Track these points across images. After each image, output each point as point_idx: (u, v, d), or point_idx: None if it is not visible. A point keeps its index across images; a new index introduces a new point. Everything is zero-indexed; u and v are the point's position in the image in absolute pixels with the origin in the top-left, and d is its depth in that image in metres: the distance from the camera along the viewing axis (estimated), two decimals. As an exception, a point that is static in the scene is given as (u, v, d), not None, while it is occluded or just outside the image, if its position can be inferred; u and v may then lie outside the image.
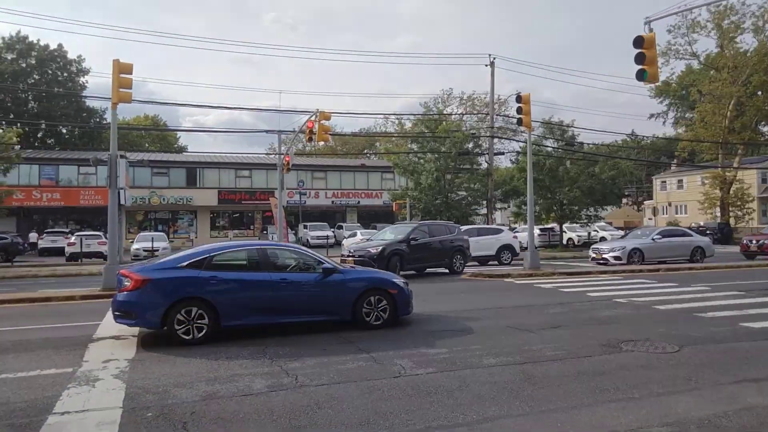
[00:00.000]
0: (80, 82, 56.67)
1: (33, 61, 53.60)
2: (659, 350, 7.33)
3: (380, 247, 17.07)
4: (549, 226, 38.71)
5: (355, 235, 34.37)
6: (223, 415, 4.96)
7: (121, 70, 14.41)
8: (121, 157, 16.45)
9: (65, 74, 55.73)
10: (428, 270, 18.91)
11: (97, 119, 56.54)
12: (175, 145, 67.45)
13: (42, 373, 6.40)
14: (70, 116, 53.54)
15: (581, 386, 5.79)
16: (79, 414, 5.01)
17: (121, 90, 14.42)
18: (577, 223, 36.98)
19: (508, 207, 39.72)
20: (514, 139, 48.60)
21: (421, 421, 4.82)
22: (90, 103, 57.27)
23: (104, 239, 25.42)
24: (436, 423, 4.76)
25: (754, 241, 24.87)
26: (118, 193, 15.54)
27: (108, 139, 15.70)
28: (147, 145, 64.29)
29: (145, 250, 28.61)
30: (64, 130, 56.37)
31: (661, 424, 4.70)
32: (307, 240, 38.26)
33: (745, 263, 22.10)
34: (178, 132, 70.54)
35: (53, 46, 54.62)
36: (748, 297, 12.24)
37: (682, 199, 57.91)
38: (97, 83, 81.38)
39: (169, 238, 35.43)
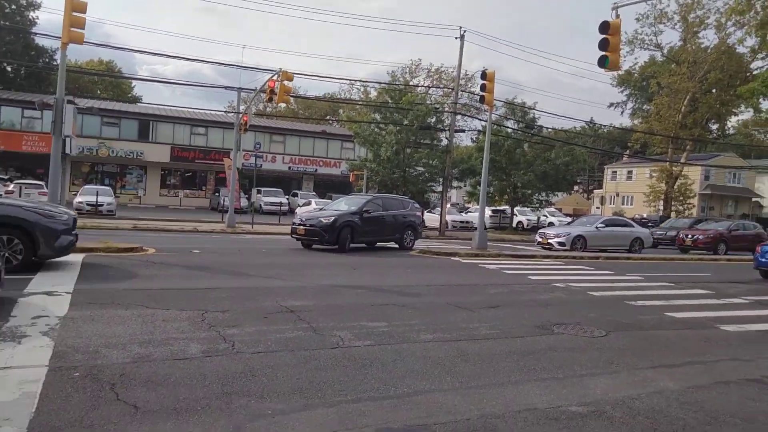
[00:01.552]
0: (30, 17, 53.07)
1: (-23, -8, 49.89)
2: (587, 334, 7.70)
3: (332, 218, 17.04)
4: (501, 207, 39.56)
5: (309, 203, 34.21)
6: (154, 378, 4.92)
7: (74, 7, 13.57)
8: (69, 102, 15.70)
9: (13, 6, 52.05)
10: (379, 243, 19.06)
11: (46, 59, 53.34)
12: (129, 95, 64.71)
13: (-35, 326, 6.16)
14: (17, 54, 50.33)
15: (510, 365, 6.03)
16: (1, 371, 4.86)
17: (72, 29, 13.61)
18: (528, 206, 37.92)
19: (464, 186, 40.27)
20: (476, 117, 49.04)
21: (354, 392, 4.92)
22: (39, 41, 53.95)
23: (45, 189, 24.36)
24: (367, 395, 4.88)
25: (689, 236, 26.17)
26: (63, 140, 14.81)
27: (56, 81, 14.85)
28: (99, 92, 61.40)
29: (88, 204, 27.59)
30: (9, 69, 53.06)
31: (580, 404, 4.97)
32: (260, 205, 37.75)
33: (679, 256, 23.29)
34: (133, 80, 67.72)
35: (-1, -25, 50.90)
36: (676, 288, 12.94)
37: (630, 190, 60.06)
38: (48, 20, 76.61)
39: (115, 193, 34.23)
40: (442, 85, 54.41)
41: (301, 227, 17.28)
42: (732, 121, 59.09)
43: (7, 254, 9.02)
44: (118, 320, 6.81)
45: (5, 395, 4.34)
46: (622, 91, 63.42)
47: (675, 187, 45.28)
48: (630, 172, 61.36)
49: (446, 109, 36.94)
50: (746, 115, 55.62)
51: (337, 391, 4.91)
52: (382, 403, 4.72)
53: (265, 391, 4.81)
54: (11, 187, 27.73)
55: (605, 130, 68.16)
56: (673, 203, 45.83)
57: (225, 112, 56.62)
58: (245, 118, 26.34)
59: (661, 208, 46.58)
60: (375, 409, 4.56)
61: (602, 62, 14.24)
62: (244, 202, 34.58)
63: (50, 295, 8.02)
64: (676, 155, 46.23)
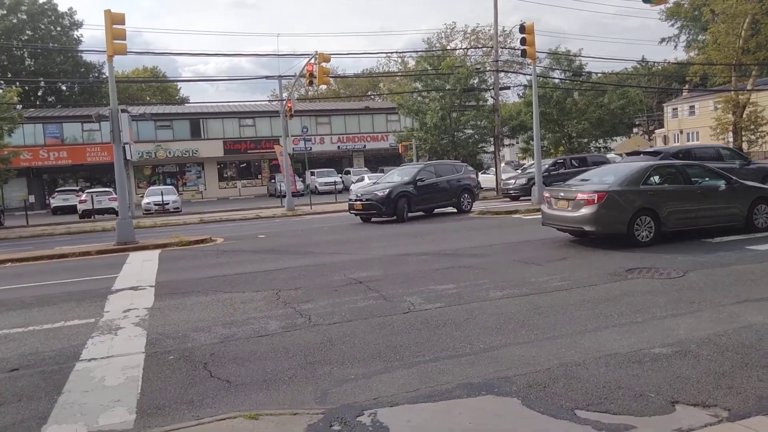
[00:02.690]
0: (74, 36, 55.52)
1: (24, 17, 52.38)
2: (664, 276, 7.46)
3: (387, 190, 17.13)
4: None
5: (362, 179, 34.37)
6: (241, 355, 5.20)
7: (114, 20, 14.14)
8: (123, 111, 16.40)
9: (58, 28, 54.51)
10: (437, 210, 19.02)
11: (96, 74, 55.74)
12: (177, 97, 66.71)
13: (66, 324, 6.68)
14: (68, 72, 52.84)
15: (586, 313, 5.95)
16: (104, 360, 5.28)
17: (115, 42, 14.20)
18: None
19: (517, 143, 39.30)
20: (520, 72, 47.42)
21: (430, 352, 5.01)
22: (87, 57, 56.30)
23: (115, 195, 25.69)
24: (444, 353, 4.96)
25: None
26: (123, 148, 15.58)
27: (108, 93, 15.54)
28: (148, 98, 63.63)
29: (155, 204, 28.99)
30: (64, 87, 55.81)
31: (663, 345, 4.86)
32: (316, 187, 38.36)
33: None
34: (178, 83, 69.69)
35: (42, -1, 53.27)
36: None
37: (694, 125, 56.87)
38: (92, 36, 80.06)
39: (178, 191, 35.71)
40: (480, 45, 52.92)
41: (358, 202, 17.47)
42: (803, 38, 54.45)
43: None
44: (201, 306, 7.19)
45: (112, 380, 4.72)
46: (672, 25, 59.49)
47: (744, 116, 42.47)
48: (692, 107, 58.00)
49: (487, 68, 35.96)
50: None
51: (414, 353, 5.01)
52: (459, 360, 4.79)
53: (346, 358, 4.98)
54: (83, 196, 29.39)
55: (659, 67, 64.46)
56: (743, 133, 43.05)
57: (269, 101, 57.43)
58: (289, 105, 26.68)
59: (731, 140, 43.89)
60: (454, 366, 4.63)
61: (646, -3, 13.42)
62: (300, 186, 35.23)
63: (135, 289, 8.56)
64: (742, 83, 43.20)
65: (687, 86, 54.56)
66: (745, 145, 42.68)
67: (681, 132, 59.59)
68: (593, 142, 34.84)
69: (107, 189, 31.08)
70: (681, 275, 7.44)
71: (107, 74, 16.24)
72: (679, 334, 5.12)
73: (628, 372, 4.31)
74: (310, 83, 23.23)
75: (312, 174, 39.58)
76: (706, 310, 5.84)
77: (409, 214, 17.42)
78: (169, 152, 42.56)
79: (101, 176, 40.51)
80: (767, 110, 46.92)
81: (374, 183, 21.10)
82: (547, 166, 22.93)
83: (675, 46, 68.97)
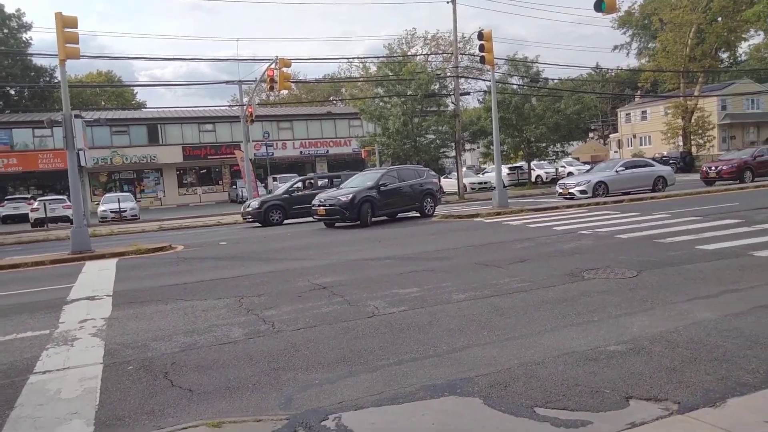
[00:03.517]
0: (23, 38, 53.45)
1: (-32, 18, 50.26)
2: (619, 276, 7.72)
3: (350, 195, 17.14)
4: (517, 164, 39.24)
5: (325, 184, 34.19)
6: (203, 363, 5.12)
7: (65, 23, 13.71)
8: (77, 116, 15.89)
9: (5, 30, 52.39)
10: (400, 215, 19.15)
11: (47, 78, 53.78)
12: (133, 102, 65.09)
13: (18, 336, 6.44)
14: (17, 76, 50.81)
15: (545, 314, 6.11)
16: (60, 372, 5.11)
17: (67, 45, 13.78)
18: (544, 160, 37.57)
19: (477, 148, 39.95)
20: (480, 78, 48.36)
21: (394, 355, 5.06)
22: (37, 61, 54.34)
23: (69, 203, 24.87)
24: (408, 356, 5.01)
25: (713, 168, 25.71)
26: (77, 154, 15.09)
27: (60, 98, 15.06)
28: (103, 102, 61.89)
29: (112, 212, 28.18)
30: (13, 92, 53.66)
31: (618, 342, 5.04)
32: (278, 192, 37.95)
33: (704, 189, 22.92)
34: (134, 87, 68.01)
35: (-14, 0, 51.17)
36: (704, 221, 12.81)
37: (646, 130, 58.96)
38: (42, 39, 77.14)
39: (136, 198, 34.80)
40: (440, 51, 53.61)
41: (321, 207, 17.43)
42: (743, 47, 57.35)
43: None
44: (160, 315, 7.05)
45: (69, 392, 4.58)
46: (624, 33, 61.72)
47: (692, 121, 44.33)
48: (644, 112, 60.12)
49: (448, 74, 36.48)
50: (757, 39, 53.92)
51: (378, 357, 5.05)
52: (423, 362, 4.84)
53: (310, 363, 4.98)
54: (35, 204, 28.33)
55: (613, 74, 66.62)
56: (692, 137, 44.92)
57: (230, 106, 56.68)
58: (250, 110, 26.43)
59: (681, 144, 45.72)
60: (417, 368, 4.69)
61: (598, 6, 13.95)
62: (261, 191, 34.86)
63: (92, 299, 8.31)
64: (689, 89, 45.12)
65: (639, 92, 56.54)
66: (694, 149, 44.54)
67: (634, 136, 61.72)
68: (551, 146, 35.75)
69: (61, 197, 30.06)
70: (635, 275, 7.72)
71: (59, 78, 15.73)
72: (633, 332, 5.32)
73: (585, 369, 4.45)
74: (271, 88, 23.09)
75: (274, 179, 39.20)
76: (658, 308, 6.07)
77: (373, 219, 17.49)
78: (126, 158, 41.46)
79: (54, 183, 39.11)
80: (713, 116, 49.11)
81: (338, 188, 21.09)
82: (286, 187, 22.10)
83: (627, 54, 71.61)
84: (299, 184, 22.04)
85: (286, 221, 20.23)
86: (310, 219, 19.08)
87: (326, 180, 22.83)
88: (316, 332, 5.90)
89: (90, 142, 36.85)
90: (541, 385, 4.19)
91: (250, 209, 20.60)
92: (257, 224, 20.13)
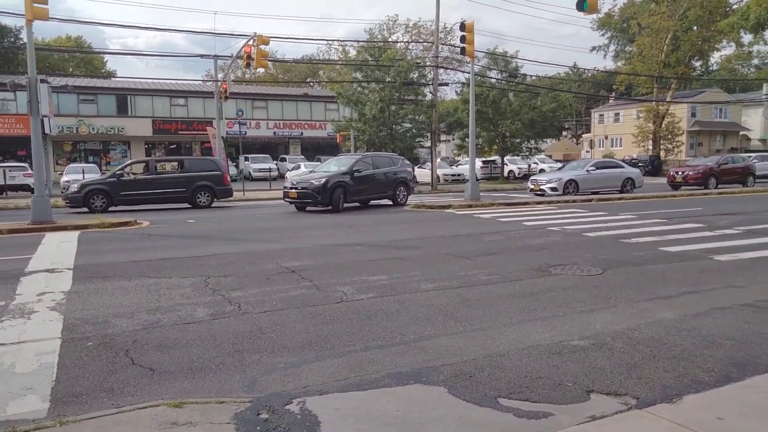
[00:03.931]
0: (-11, -4, 51.19)
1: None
2: (584, 273, 7.87)
3: (323, 179, 17.01)
4: (491, 158, 39.55)
5: (298, 167, 33.99)
6: (166, 342, 5.02)
7: (36, -18, 13.12)
8: (42, 81, 15.31)
9: (-30, -13, 50.09)
10: (372, 202, 19.11)
11: (11, 39, 51.61)
12: (103, 70, 63.03)
13: (-29, 307, 6.20)
14: (-20, 35, 48.69)
15: (511, 307, 6.18)
16: (15, 345, 4.94)
17: (35, 5, 13.17)
18: (518, 155, 37.94)
19: (452, 140, 40.10)
20: (459, 70, 48.34)
21: (361, 341, 5.05)
22: (2, 20, 52.11)
23: (30, 171, 24.01)
24: (375, 343, 5.01)
25: (679, 173, 26.40)
26: (42, 120, 14.53)
27: (25, 61, 14.46)
28: (71, 69, 59.75)
29: (76, 183, 27.29)
30: (-25, 51, 51.39)
31: (581, 338, 5.14)
32: (250, 173, 37.47)
33: (670, 193, 23.55)
34: (104, 55, 65.88)
35: (-47, -47, 48.65)
36: (669, 224, 13.15)
37: (618, 132, 60.09)
38: (8, -2, 73.78)
39: (101, 170, 33.82)
40: (421, 40, 53.42)
41: (293, 191, 17.26)
42: (715, 57, 58.80)
43: None
44: (123, 291, 6.87)
45: (24, 367, 4.43)
46: (603, 35, 62.47)
47: (663, 126, 45.38)
48: (617, 114, 61.25)
49: (428, 63, 36.39)
50: (729, 50, 55.37)
51: (345, 342, 5.03)
52: (389, 350, 4.85)
53: (275, 346, 4.93)
54: (-5, 171, 27.27)
55: (589, 75, 67.60)
56: (662, 142, 46.00)
57: (203, 81, 55.51)
58: (224, 86, 25.88)
59: (651, 147, 46.76)
60: (384, 356, 4.69)
61: (580, 5, 14.07)
62: (232, 171, 34.31)
63: (51, 272, 8.06)
64: (662, 94, 46.13)
65: (613, 94, 57.53)
66: (662, 154, 45.63)
67: (606, 137, 62.84)
68: (525, 142, 36.11)
69: (22, 164, 28.97)
70: (600, 273, 7.88)
71: (25, 40, 15.09)
72: (596, 328, 5.43)
73: (549, 363, 4.53)
74: (248, 65, 22.64)
75: (246, 159, 38.66)
76: (621, 306, 6.21)
77: (345, 205, 17.41)
78: (93, 128, 40.19)
79: (14, 149, 37.66)
80: (683, 122, 50.35)
81: (311, 171, 20.92)
82: (115, 170, 19.92)
83: (605, 56, 72.61)
84: (136, 167, 19.62)
85: (111, 208, 17.66)
86: (144, 208, 17.87)
87: (176, 164, 20.29)
88: (282, 315, 5.84)
89: (55, 110, 35.48)
90: (505, 377, 4.24)
91: (69, 192, 18.37)
92: (84, 209, 17.39)
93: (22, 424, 3.42)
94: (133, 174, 18.95)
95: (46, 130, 15.35)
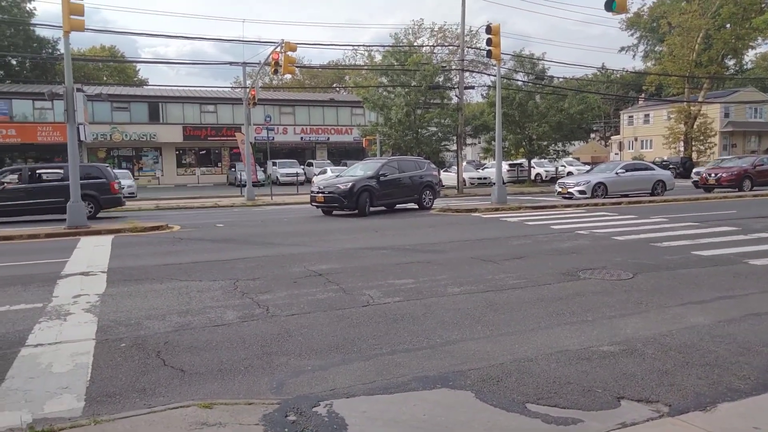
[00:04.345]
0: (27, 8, 52.87)
1: (-30, -15, 49.63)
2: (614, 277, 7.73)
3: (350, 183, 17.10)
4: (518, 161, 39.17)
5: (325, 171, 34.19)
6: (196, 344, 5.12)
7: (71, -5, 13.56)
8: (78, 90, 15.76)
9: (9, -1, 51.85)
10: (398, 206, 19.12)
11: (49, 50, 53.32)
12: (135, 78, 64.61)
13: (12, 308, 6.42)
14: (19, 47, 50.32)
15: (539, 311, 6.11)
16: (52, 346, 5.10)
17: (72, 17, 13.64)
18: (545, 158, 37.50)
19: (479, 143, 39.85)
20: (485, 73, 48.00)
21: (388, 345, 5.06)
22: (40, 32, 53.82)
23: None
24: (402, 347, 5.01)
25: (712, 175, 25.72)
26: (78, 128, 15.00)
27: (62, 71, 14.92)
28: (105, 78, 61.42)
29: (109, 188, 27.98)
30: (14, 62, 53.20)
31: (611, 343, 5.05)
32: (277, 177, 37.89)
33: (702, 196, 22.95)
34: (137, 64, 67.50)
35: (-9, -32, 50.48)
36: (701, 227, 12.83)
37: (648, 133, 58.94)
38: (46, 10, 76.41)
39: (133, 176, 34.68)
40: (447, 43, 53.28)
41: (320, 195, 17.39)
42: (749, 55, 57.22)
43: None
44: (155, 294, 7.03)
45: (60, 367, 4.57)
46: (632, 34, 61.43)
47: (694, 127, 44.30)
48: (647, 116, 60.06)
49: (453, 66, 36.28)
50: (764, 48, 53.84)
51: (372, 346, 5.05)
52: (416, 353, 4.85)
53: (303, 349, 4.97)
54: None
55: (618, 75, 66.44)
56: (693, 143, 44.91)
57: (232, 87, 56.34)
58: (253, 92, 26.25)
59: (682, 149, 45.71)
60: (410, 359, 4.69)
61: (609, 5, 13.87)
62: (260, 175, 34.78)
63: (86, 275, 8.29)
64: (693, 95, 45.06)
65: (643, 95, 56.46)
66: (694, 155, 44.54)
67: (636, 139, 61.69)
68: (552, 145, 35.67)
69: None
70: (630, 277, 7.73)
71: (62, 50, 15.57)
72: (627, 333, 5.33)
73: (578, 368, 4.46)
74: (275, 72, 22.93)
75: (274, 164, 39.13)
76: (652, 311, 6.09)
77: (371, 209, 17.47)
78: (126, 135, 41.22)
79: (51, 157, 38.85)
80: (716, 122, 49.12)
81: (337, 176, 21.05)
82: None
83: (633, 56, 71.30)
84: (12, 176, 17.67)
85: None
86: (19, 219, 16.62)
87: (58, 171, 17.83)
88: (310, 318, 5.89)
89: (90, 117, 36.72)
90: (533, 382, 4.19)
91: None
92: None
93: (59, 422, 3.53)
94: (6, 184, 17.31)
95: (82, 138, 15.84)
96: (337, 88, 66.04)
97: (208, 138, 43.58)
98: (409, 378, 4.28)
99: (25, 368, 4.54)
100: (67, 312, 6.23)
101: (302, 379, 4.31)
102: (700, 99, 44.13)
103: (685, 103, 44.18)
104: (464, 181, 31.44)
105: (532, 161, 37.48)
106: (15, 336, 5.39)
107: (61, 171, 17.39)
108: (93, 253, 10.46)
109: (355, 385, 4.16)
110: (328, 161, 43.15)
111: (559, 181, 24.63)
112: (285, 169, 39.12)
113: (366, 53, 61.34)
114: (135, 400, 3.96)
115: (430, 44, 52.71)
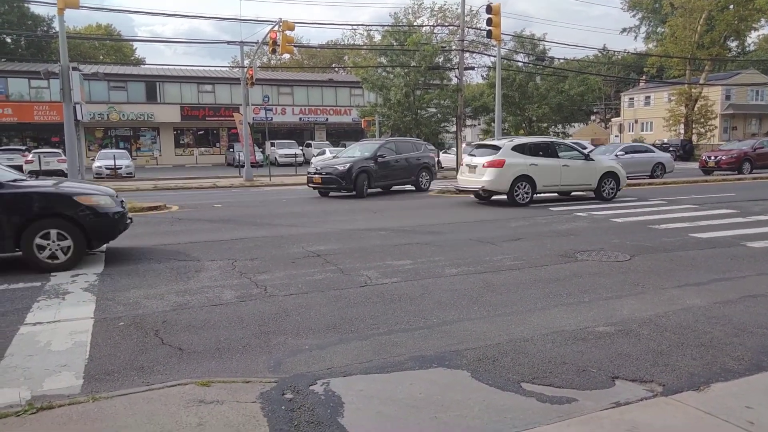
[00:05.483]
0: (21, -15, 52.16)
1: (-35, -38, 48.88)
2: (612, 259, 7.76)
3: (348, 165, 17.04)
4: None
5: (323, 153, 34.04)
6: (194, 323, 5.14)
7: (66, -29, 13.34)
8: (74, 69, 15.58)
9: (4, -24, 51.11)
10: (395, 187, 19.09)
11: (44, 28, 52.74)
12: (132, 57, 63.98)
13: (10, 287, 6.43)
14: (13, 24, 49.78)
15: (536, 292, 6.14)
16: (51, 324, 5.12)
17: (67, -6, 13.43)
18: (545, 140, 37.35)
19: (478, 124, 39.65)
20: (485, 54, 47.54)
21: (385, 325, 5.09)
22: (35, 9, 53.25)
23: (64, 157, 24.63)
24: (399, 327, 5.04)
25: (712, 157, 25.68)
26: (74, 107, 14.86)
27: (58, 49, 14.75)
28: (101, 57, 60.79)
29: (107, 168, 27.97)
30: (9, 40, 52.63)
31: (607, 324, 5.08)
32: (275, 158, 37.73)
33: (702, 178, 22.95)
34: (133, 43, 66.83)
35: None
36: (700, 210, 12.85)
37: (649, 116, 58.64)
38: (41, -12, 75.02)
39: (131, 156, 34.52)
40: (447, 23, 52.69)
41: (318, 176, 17.34)
42: (752, 37, 56.74)
43: None
44: (153, 274, 7.04)
45: (59, 345, 4.60)
46: (634, 15, 60.86)
47: (695, 109, 44.08)
48: (648, 98, 59.70)
49: (453, 47, 35.93)
50: (767, 29, 53.30)
51: (369, 326, 5.07)
52: (413, 333, 4.87)
53: (301, 329, 5.00)
54: (30, 156, 28.06)
55: (619, 57, 65.87)
56: (694, 126, 44.73)
57: (230, 67, 55.84)
58: (251, 72, 26.00)
59: (682, 132, 45.54)
60: (407, 339, 4.72)
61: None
62: (259, 156, 34.64)
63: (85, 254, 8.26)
64: (695, 77, 44.73)
65: (644, 77, 56.06)
66: (695, 138, 44.38)
67: (636, 121, 61.40)
68: (552, 126, 35.54)
69: (56, 150, 29.76)
70: (627, 259, 7.75)
71: (57, 28, 15.38)
72: (623, 314, 5.36)
73: (573, 348, 4.49)
74: (273, 51, 22.70)
75: (272, 145, 38.90)
76: (648, 293, 6.11)
77: (369, 190, 17.43)
78: (123, 115, 40.96)
79: (48, 136, 38.69)
80: (717, 105, 48.85)
81: (335, 157, 20.97)
82: None
83: (635, 37, 70.74)
84: None
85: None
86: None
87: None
88: (307, 298, 5.92)
89: (87, 97, 36.31)
90: (529, 361, 4.22)
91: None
92: None
93: (58, 399, 3.56)
94: None
95: (78, 117, 15.69)
96: (336, 69, 65.46)
97: (206, 118, 43.32)
98: (406, 357, 4.31)
99: (24, 346, 4.56)
100: (66, 291, 6.25)
101: (299, 358, 4.34)
102: (701, 81, 43.82)
103: (686, 85, 43.89)
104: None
105: (532, 143, 37.34)
106: (14, 314, 5.40)
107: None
108: (91, 232, 10.44)
109: (352, 364, 4.19)
110: (327, 142, 42.97)
111: (559, 163, 24.55)
112: (283, 150, 38.95)
113: (365, 33, 60.72)
114: (133, 378, 3.99)
115: (430, 24, 52.13)
